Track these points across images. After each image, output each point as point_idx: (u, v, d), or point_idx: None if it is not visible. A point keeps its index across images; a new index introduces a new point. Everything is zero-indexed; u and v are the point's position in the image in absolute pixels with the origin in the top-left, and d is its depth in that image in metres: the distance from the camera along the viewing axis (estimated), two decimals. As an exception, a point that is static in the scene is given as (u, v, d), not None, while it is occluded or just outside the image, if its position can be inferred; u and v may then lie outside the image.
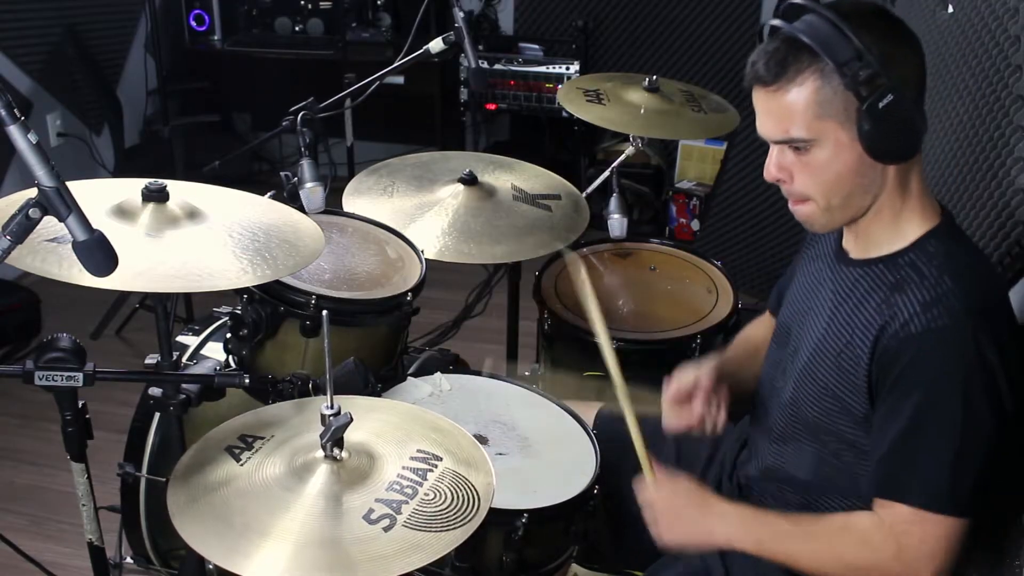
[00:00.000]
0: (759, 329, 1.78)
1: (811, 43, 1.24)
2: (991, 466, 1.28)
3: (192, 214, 1.50)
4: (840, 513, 1.40)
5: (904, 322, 1.28)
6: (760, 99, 1.32)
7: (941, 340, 1.26)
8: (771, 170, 1.36)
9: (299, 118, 2.01)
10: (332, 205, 2.05)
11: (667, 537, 1.46)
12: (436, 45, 2.17)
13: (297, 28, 4.27)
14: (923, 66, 1.30)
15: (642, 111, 2.29)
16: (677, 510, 1.46)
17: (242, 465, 1.32)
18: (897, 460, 1.30)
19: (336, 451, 1.28)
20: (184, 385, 1.58)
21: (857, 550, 1.33)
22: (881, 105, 1.22)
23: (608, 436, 1.71)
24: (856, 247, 1.42)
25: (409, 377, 1.84)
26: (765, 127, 1.34)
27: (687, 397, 1.59)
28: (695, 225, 3.97)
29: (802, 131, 1.29)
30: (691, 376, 1.60)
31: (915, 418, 1.28)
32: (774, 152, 1.35)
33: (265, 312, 1.76)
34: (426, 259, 1.92)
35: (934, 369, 1.26)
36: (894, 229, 1.35)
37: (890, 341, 1.29)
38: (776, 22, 1.30)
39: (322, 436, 1.27)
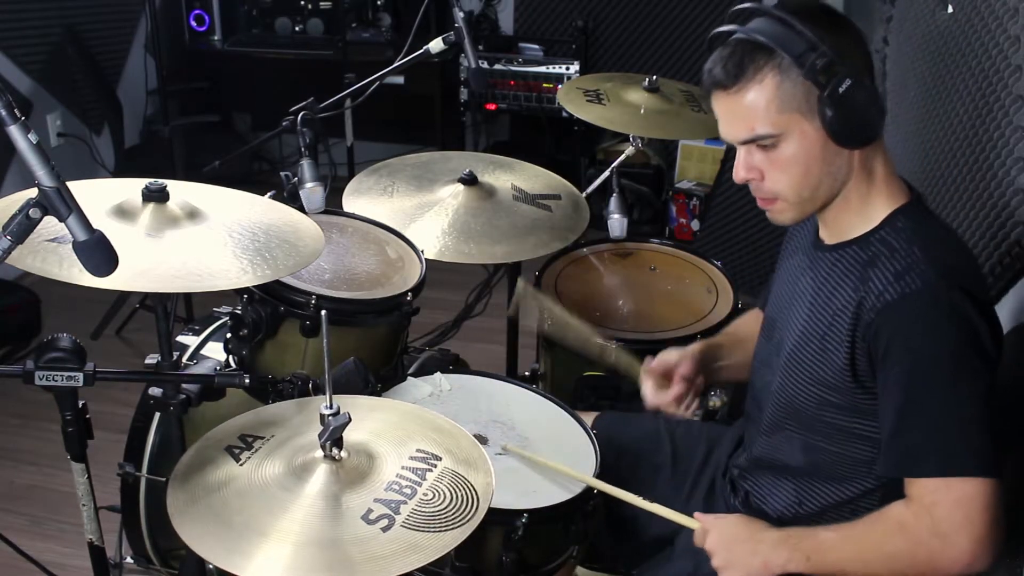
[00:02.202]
0: (748, 322, 1.80)
1: (766, 41, 1.29)
2: (997, 419, 1.28)
3: (192, 214, 1.50)
4: (874, 511, 1.39)
5: (879, 293, 1.31)
6: (721, 103, 1.36)
7: (917, 304, 1.28)
8: (740, 172, 1.39)
9: (299, 118, 2.01)
10: (332, 205, 2.05)
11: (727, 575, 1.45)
12: (436, 45, 2.17)
13: (297, 28, 4.27)
14: (869, 55, 1.35)
15: (642, 111, 2.29)
16: (730, 547, 1.45)
17: (242, 465, 1.32)
18: (904, 435, 1.30)
19: (335, 451, 1.28)
20: (184, 385, 1.58)
21: (895, 538, 1.32)
22: (841, 90, 1.27)
23: (608, 437, 1.71)
24: (829, 234, 1.45)
25: (409, 377, 1.84)
26: (730, 130, 1.37)
27: (667, 376, 1.66)
28: (695, 225, 3.97)
29: (767, 127, 1.32)
30: (674, 357, 1.67)
31: (909, 387, 1.29)
32: (741, 153, 1.38)
33: (265, 312, 1.76)
34: (426, 259, 1.93)
35: (916, 334, 1.28)
36: (863, 212, 1.39)
37: (869, 315, 1.31)
38: (727, 27, 1.35)
39: (321, 436, 1.27)
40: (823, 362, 1.39)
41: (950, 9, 2.12)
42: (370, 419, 1.41)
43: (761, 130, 1.33)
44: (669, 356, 1.68)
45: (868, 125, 1.31)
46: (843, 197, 1.38)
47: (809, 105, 1.30)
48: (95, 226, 1.15)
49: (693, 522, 1.51)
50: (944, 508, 1.28)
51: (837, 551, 1.38)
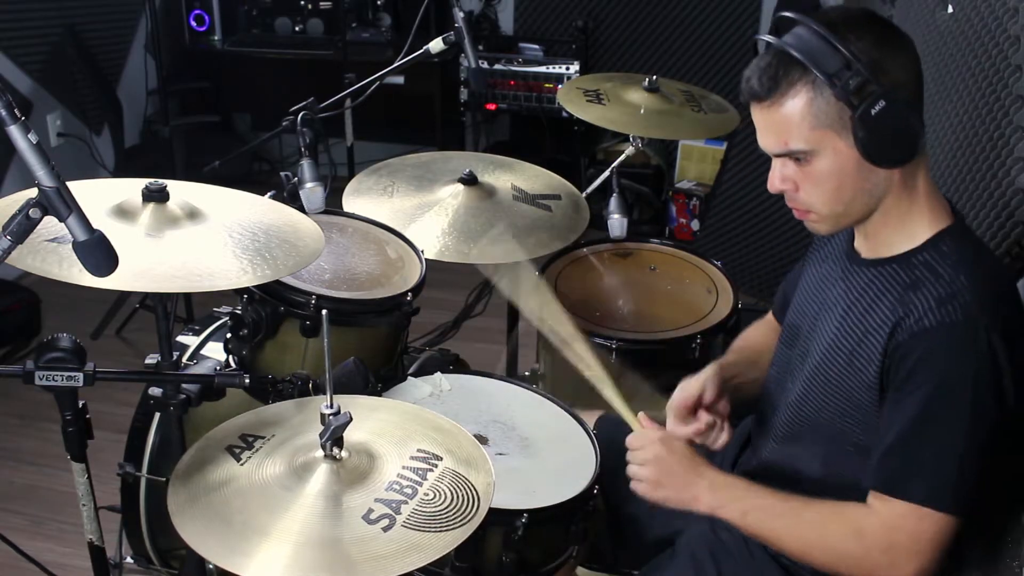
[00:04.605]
0: (758, 334, 1.77)
1: (800, 56, 1.26)
2: (989, 466, 1.28)
3: (192, 214, 1.50)
4: (831, 500, 1.39)
5: (918, 317, 1.29)
6: (757, 114, 1.34)
7: (954, 335, 1.26)
8: (775, 183, 1.37)
9: (299, 118, 2.01)
10: (332, 205, 2.05)
11: (650, 493, 1.45)
12: (436, 45, 2.17)
13: (297, 28, 4.27)
14: (918, 68, 1.31)
15: (642, 111, 2.29)
16: (666, 467, 1.45)
17: (242, 465, 1.32)
18: (902, 455, 1.30)
19: (336, 451, 1.28)
20: (184, 385, 1.58)
21: (846, 539, 1.33)
22: (874, 112, 1.23)
23: (609, 437, 1.71)
24: (867, 248, 1.42)
25: (409, 377, 1.84)
26: (765, 141, 1.35)
27: (691, 410, 1.57)
28: (695, 225, 3.97)
29: (800, 143, 1.30)
30: (696, 387, 1.58)
31: (923, 413, 1.28)
32: (776, 165, 1.36)
33: (265, 312, 1.76)
34: (426, 259, 1.92)
35: (945, 363, 1.27)
36: (904, 230, 1.36)
37: (903, 336, 1.30)
38: (767, 37, 1.32)
39: (322, 435, 1.27)
40: (850, 377, 1.38)
41: (950, 9, 2.12)
42: (370, 419, 1.41)
43: (794, 145, 1.31)
44: (689, 389, 1.58)
45: (903, 145, 1.28)
46: (882, 212, 1.36)
47: (842, 123, 1.27)
48: (95, 226, 1.15)
49: (635, 422, 1.50)
50: (906, 533, 1.29)
51: (780, 521, 1.38)
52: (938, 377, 1.27)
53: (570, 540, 1.60)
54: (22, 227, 1.15)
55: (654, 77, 2.35)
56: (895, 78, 1.26)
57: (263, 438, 1.38)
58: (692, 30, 4.17)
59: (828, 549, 1.35)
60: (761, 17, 4.05)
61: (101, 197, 1.48)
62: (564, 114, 3.60)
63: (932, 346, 1.27)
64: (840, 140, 1.28)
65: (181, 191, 1.52)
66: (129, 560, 2.10)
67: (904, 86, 1.27)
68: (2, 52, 3.55)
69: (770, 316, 1.76)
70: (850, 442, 1.41)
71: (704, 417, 1.55)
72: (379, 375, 1.80)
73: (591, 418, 1.80)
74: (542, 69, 4.04)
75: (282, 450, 1.34)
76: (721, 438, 1.56)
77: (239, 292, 1.78)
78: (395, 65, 2.23)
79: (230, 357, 1.89)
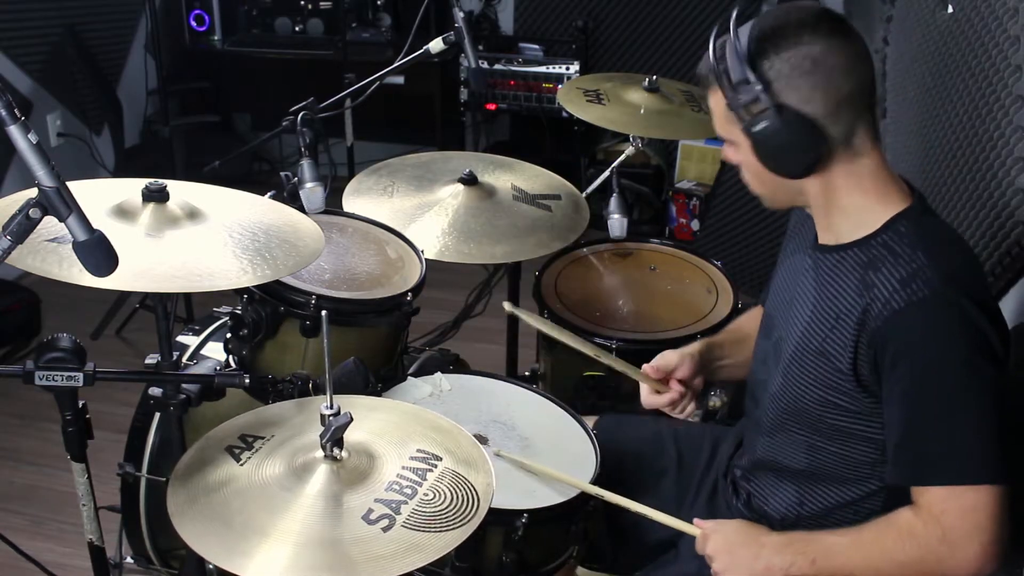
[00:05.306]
0: (750, 320, 1.80)
1: (710, 65, 1.34)
2: (1006, 424, 1.28)
3: (192, 214, 1.50)
4: (880, 517, 1.39)
5: (886, 301, 1.30)
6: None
7: (925, 311, 1.27)
8: (726, 154, 1.47)
9: (299, 118, 2.01)
10: (332, 205, 2.05)
11: None
12: (436, 45, 2.17)
13: (297, 28, 4.27)
14: (843, 84, 1.30)
15: (642, 111, 2.30)
16: (731, 551, 1.45)
17: (242, 465, 1.32)
18: (915, 444, 1.30)
19: (336, 451, 1.28)
20: (184, 385, 1.58)
21: (905, 546, 1.32)
22: (756, 130, 1.32)
23: (610, 440, 1.71)
24: (829, 236, 1.44)
25: (409, 377, 1.84)
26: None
27: (665, 378, 1.68)
28: (695, 225, 3.97)
29: (723, 133, 1.41)
30: (673, 360, 1.68)
31: (920, 396, 1.28)
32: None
33: (265, 312, 1.76)
34: (426, 259, 1.93)
35: (925, 341, 1.28)
36: (857, 217, 1.39)
37: (875, 322, 1.31)
38: (712, 37, 1.37)
39: (322, 436, 1.27)
40: (825, 364, 1.39)
41: (950, 9, 2.13)
42: (370, 419, 1.41)
43: (720, 133, 1.42)
44: (667, 359, 1.68)
45: (793, 162, 1.34)
46: (832, 204, 1.39)
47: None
48: (95, 226, 1.15)
49: (693, 529, 1.50)
50: (954, 516, 1.28)
51: (844, 556, 1.37)
52: (923, 358, 1.28)
53: (570, 540, 1.60)
54: (22, 227, 1.15)
55: (654, 77, 2.35)
56: (800, 96, 1.29)
57: (263, 438, 1.38)
58: (692, 30, 4.16)
59: (895, 564, 1.34)
60: (761, 17, 4.04)
61: (101, 197, 1.48)
62: (564, 114, 3.60)
63: (906, 328, 1.28)
64: (746, 140, 1.35)
65: (181, 191, 1.52)
66: (129, 560, 2.11)
67: (810, 103, 1.29)
68: (2, 52, 3.55)
69: (760, 307, 1.78)
70: (834, 428, 1.42)
71: (676, 387, 1.67)
72: (379, 375, 1.80)
73: (591, 421, 1.80)
74: (542, 69, 4.04)
75: (282, 450, 1.34)
76: (688, 408, 1.70)
77: (239, 292, 1.78)
78: (395, 65, 2.23)
79: (230, 357, 1.89)
